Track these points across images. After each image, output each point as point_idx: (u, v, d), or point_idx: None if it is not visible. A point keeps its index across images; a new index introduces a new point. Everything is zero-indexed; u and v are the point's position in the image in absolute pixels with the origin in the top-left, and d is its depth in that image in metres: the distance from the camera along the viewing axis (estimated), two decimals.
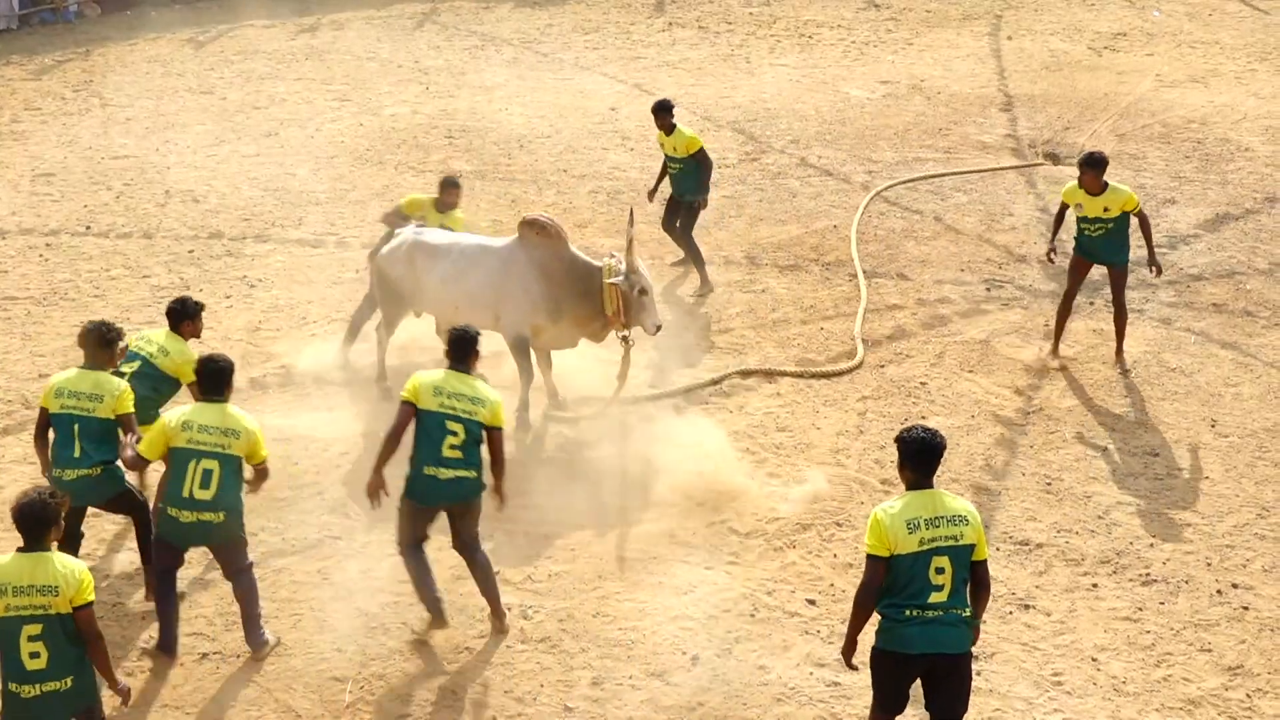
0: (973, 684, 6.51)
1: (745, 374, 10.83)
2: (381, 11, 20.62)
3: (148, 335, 8.63)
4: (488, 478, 7.70)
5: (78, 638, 6.22)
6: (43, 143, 15.65)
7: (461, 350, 7.75)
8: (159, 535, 7.61)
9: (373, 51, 18.97)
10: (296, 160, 15.18)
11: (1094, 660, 7.79)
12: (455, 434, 7.54)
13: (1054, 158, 15.31)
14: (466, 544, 7.78)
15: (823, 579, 8.44)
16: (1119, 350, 10.96)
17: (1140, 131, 16.02)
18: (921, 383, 10.75)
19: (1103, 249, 10.62)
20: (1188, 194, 14.38)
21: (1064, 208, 10.81)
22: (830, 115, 16.64)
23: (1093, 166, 10.37)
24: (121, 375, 8.06)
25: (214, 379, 7.57)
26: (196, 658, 7.73)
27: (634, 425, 10.04)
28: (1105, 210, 10.43)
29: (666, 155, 12.25)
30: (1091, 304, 12.03)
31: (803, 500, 9.19)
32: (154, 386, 8.36)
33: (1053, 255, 11.02)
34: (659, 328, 9.81)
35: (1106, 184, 10.43)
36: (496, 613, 7.90)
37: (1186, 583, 8.44)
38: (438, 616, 7.94)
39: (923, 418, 10.22)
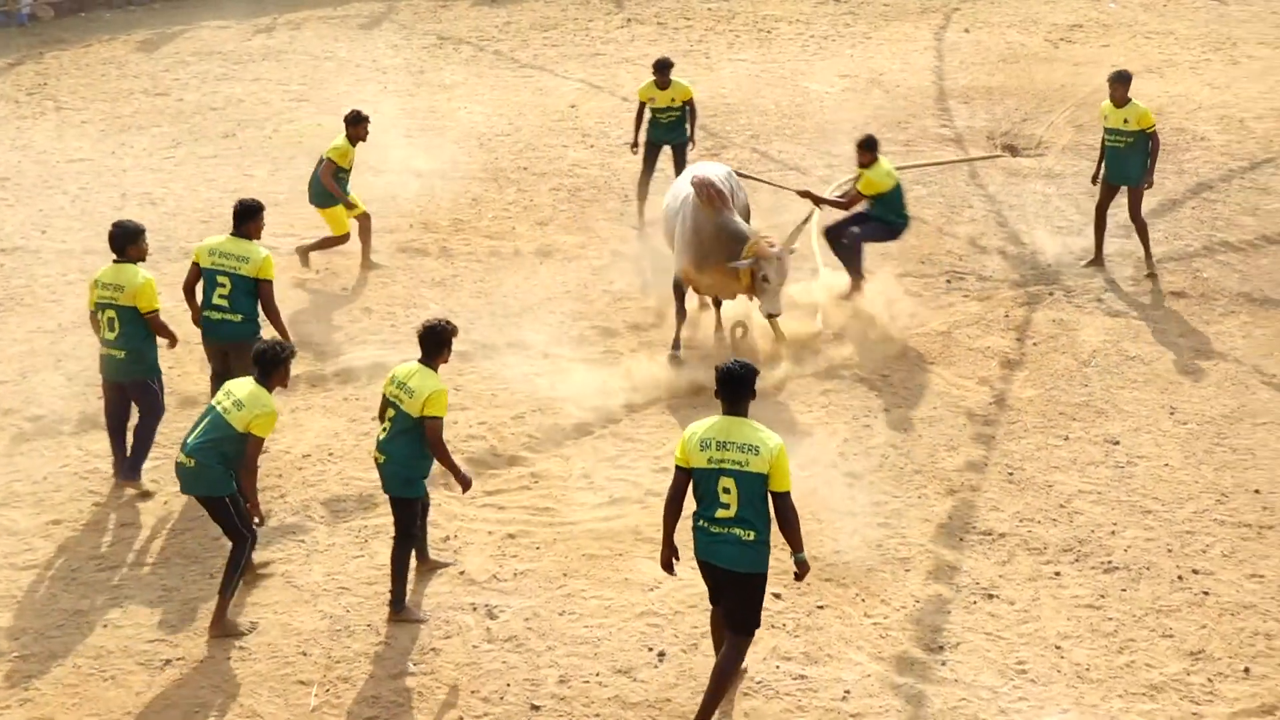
0: (761, 607, 7.09)
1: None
2: (338, 11, 20.50)
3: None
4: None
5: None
6: None
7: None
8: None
9: (330, 51, 18.86)
10: (254, 161, 15.08)
11: (1057, 648, 7.84)
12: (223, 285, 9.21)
13: (1012, 149, 15.39)
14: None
15: (787, 573, 8.42)
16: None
17: (1098, 122, 16.08)
18: (884, 374, 10.79)
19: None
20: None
21: None
22: (790, 110, 16.67)
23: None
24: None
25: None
26: (159, 665, 7.67)
27: None
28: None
29: (657, 108, 13.43)
30: (1051, 294, 12.11)
31: None
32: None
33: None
34: (771, 315, 10.71)
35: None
36: None
37: (1148, 569, 8.52)
38: None
39: (885, 410, 10.27)
